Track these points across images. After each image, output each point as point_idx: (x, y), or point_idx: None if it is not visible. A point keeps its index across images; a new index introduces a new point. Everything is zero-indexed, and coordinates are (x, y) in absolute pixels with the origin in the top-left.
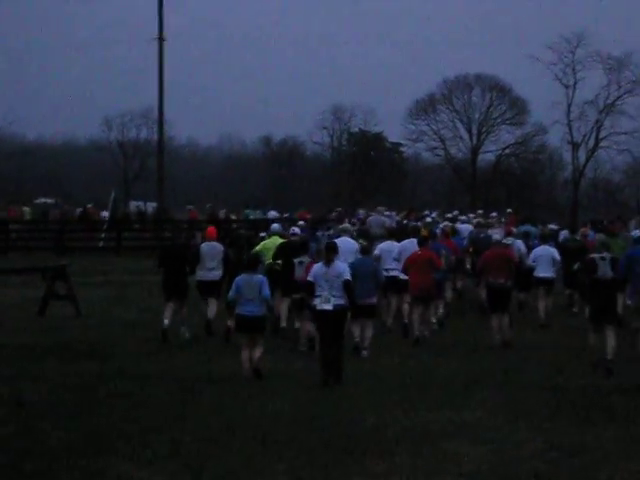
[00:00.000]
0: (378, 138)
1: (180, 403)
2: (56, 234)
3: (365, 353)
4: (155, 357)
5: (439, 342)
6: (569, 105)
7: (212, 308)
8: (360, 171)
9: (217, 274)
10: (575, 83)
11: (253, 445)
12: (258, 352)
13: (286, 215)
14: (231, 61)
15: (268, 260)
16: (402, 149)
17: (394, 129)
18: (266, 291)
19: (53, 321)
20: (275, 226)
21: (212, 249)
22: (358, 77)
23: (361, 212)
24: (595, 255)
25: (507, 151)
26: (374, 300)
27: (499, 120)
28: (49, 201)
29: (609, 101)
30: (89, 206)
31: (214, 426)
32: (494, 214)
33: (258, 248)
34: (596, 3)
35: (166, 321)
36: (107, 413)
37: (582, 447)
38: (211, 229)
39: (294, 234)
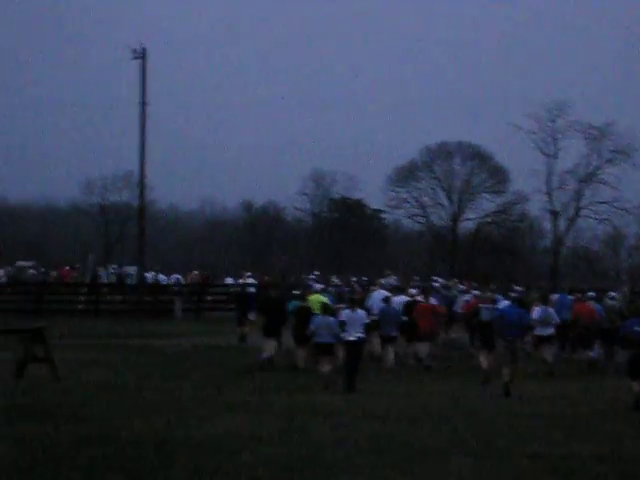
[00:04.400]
0: (359, 205)
1: (158, 468)
2: (34, 296)
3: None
4: (129, 420)
5: (411, 408)
6: (549, 174)
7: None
8: (340, 238)
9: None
10: (556, 152)
11: None
12: (329, 366)
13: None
14: (213, 126)
15: (315, 311)
16: (382, 216)
17: (375, 196)
18: (337, 329)
19: (30, 384)
20: (317, 286)
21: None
22: (339, 143)
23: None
24: (483, 305)
25: (487, 219)
26: (395, 333)
27: (480, 188)
28: (27, 264)
29: (590, 170)
30: (66, 268)
31: None
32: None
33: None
34: (577, 72)
35: (266, 353)
36: (84, 478)
37: None
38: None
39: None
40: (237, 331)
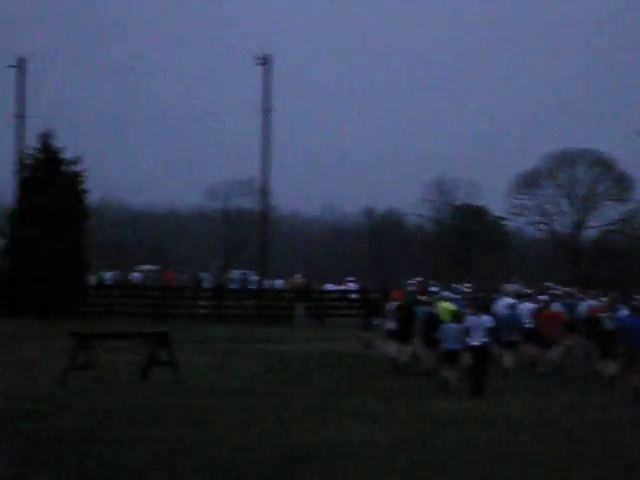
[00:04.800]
0: (481, 212)
1: (279, 474)
2: (157, 300)
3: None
4: (254, 425)
5: (533, 416)
6: None
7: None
8: (462, 244)
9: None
10: None
11: None
12: (453, 372)
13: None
14: (334, 132)
15: (443, 318)
16: (504, 223)
17: (497, 203)
18: (463, 335)
19: (154, 386)
20: (446, 293)
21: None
22: (462, 149)
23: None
24: (604, 314)
25: (611, 227)
26: (515, 338)
27: (603, 196)
28: (152, 268)
29: None
30: (170, 272)
31: None
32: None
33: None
34: None
35: (402, 357)
36: None
37: None
38: (398, 293)
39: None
40: (361, 337)
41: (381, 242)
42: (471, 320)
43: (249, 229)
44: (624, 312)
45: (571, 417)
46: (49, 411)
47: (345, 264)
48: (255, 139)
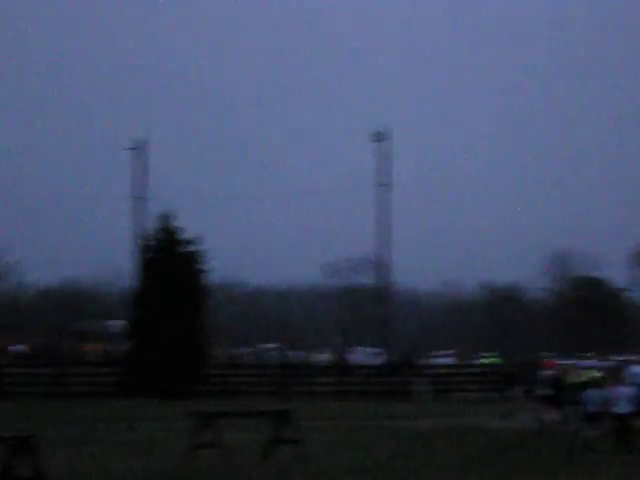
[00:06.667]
0: (600, 283)
1: None
2: (277, 378)
3: None
4: None
5: None
6: None
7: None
8: (581, 316)
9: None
10: None
11: None
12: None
13: None
14: (451, 206)
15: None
16: (626, 294)
17: (619, 273)
18: None
19: (279, 465)
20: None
21: None
22: (578, 222)
23: None
24: None
25: None
26: None
27: None
28: (271, 346)
29: None
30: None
31: None
32: None
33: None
34: None
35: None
36: None
37: None
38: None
39: None
40: (505, 407)
41: (499, 315)
42: (614, 390)
43: (368, 305)
44: None
45: None
46: None
47: (462, 337)
48: (372, 215)
